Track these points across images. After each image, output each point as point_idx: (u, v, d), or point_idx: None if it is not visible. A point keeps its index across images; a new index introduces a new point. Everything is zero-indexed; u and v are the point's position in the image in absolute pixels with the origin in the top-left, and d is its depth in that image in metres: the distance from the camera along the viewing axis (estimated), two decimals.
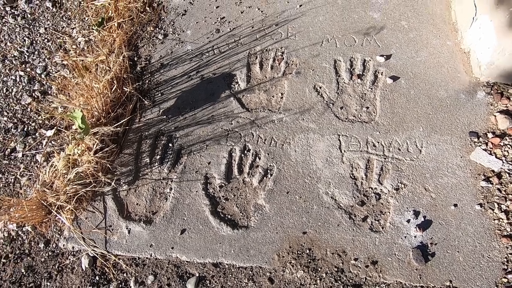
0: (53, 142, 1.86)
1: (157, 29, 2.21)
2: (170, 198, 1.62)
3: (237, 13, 2.22)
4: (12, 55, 2.23)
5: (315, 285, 1.39)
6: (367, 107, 1.80)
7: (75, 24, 2.32)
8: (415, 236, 1.44)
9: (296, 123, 1.77)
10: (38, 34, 2.31)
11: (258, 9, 2.22)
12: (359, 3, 2.16)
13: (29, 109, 2.01)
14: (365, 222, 1.50)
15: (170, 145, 1.77)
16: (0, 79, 2.13)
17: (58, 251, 1.57)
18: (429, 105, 1.77)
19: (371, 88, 1.85)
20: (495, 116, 1.68)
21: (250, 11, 2.21)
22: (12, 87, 2.10)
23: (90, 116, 1.77)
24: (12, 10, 2.42)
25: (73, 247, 1.55)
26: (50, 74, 2.13)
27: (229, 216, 1.57)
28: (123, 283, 1.47)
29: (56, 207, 1.56)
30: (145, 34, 2.20)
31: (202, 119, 1.83)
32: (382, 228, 1.48)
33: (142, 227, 1.55)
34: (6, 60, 2.20)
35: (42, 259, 1.56)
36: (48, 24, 2.35)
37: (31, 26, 2.35)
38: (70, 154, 1.64)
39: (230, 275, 1.44)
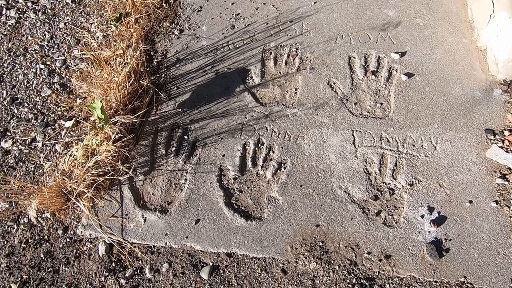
0: (71, 133, 1.91)
1: (173, 24, 2.25)
2: (185, 189, 1.65)
3: (252, 10, 2.24)
4: (33, 49, 2.29)
5: (328, 277, 1.40)
6: (381, 103, 1.80)
7: (93, 20, 2.37)
8: (429, 232, 1.44)
9: (310, 118, 1.79)
10: (58, 29, 2.38)
11: (273, 6, 2.24)
12: (374, 0, 2.17)
13: (48, 101, 2.06)
14: (378, 216, 1.50)
15: (185, 137, 1.80)
16: (22, 71, 2.20)
17: (76, 238, 1.61)
18: (444, 102, 1.76)
19: (386, 85, 1.85)
20: None
21: (265, 8, 2.24)
22: (33, 80, 2.17)
23: (108, 107, 1.81)
24: (33, 6, 2.49)
25: (90, 234, 1.59)
26: (69, 67, 2.19)
27: (242, 208, 1.59)
28: (138, 270, 1.50)
29: (75, 194, 1.60)
30: (162, 30, 2.25)
31: (217, 112, 1.86)
32: (396, 222, 1.48)
33: (158, 216, 1.58)
34: (27, 53, 2.27)
35: (61, 245, 1.60)
36: (68, 19, 2.41)
37: (51, 21, 2.41)
38: (88, 144, 1.68)
39: (244, 265, 1.46)
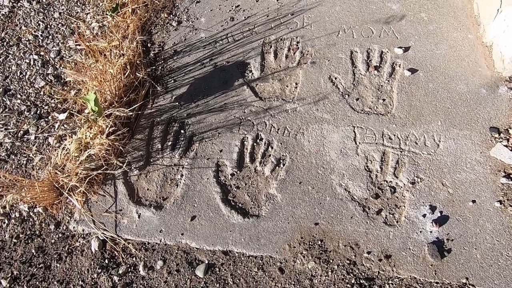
0: (65, 126, 1.86)
1: (171, 15, 2.19)
2: (181, 184, 1.60)
3: (252, 2, 2.18)
4: (27, 39, 2.23)
5: (327, 277, 1.37)
6: (384, 99, 1.75)
7: (89, 10, 2.31)
8: (431, 231, 1.40)
9: (310, 113, 1.74)
10: (53, 19, 2.31)
11: None
12: None
13: (42, 93, 2.01)
14: (379, 215, 1.46)
15: (182, 131, 1.76)
16: (15, 62, 2.14)
17: (68, 233, 1.57)
18: (448, 99, 1.72)
19: (388, 80, 1.81)
20: None
21: (266, 0, 2.18)
22: (26, 70, 2.11)
23: (102, 100, 1.76)
24: None
25: (83, 230, 1.55)
26: (64, 59, 2.13)
27: (240, 205, 1.54)
28: (132, 267, 1.46)
29: (68, 189, 1.56)
30: (159, 21, 2.19)
31: (215, 106, 1.81)
32: (397, 222, 1.45)
33: (152, 213, 1.54)
34: (20, 44, 2.21)
35: (53, 241, 1.56)
36: (63, 9, 2.35)
37: (46, 11, 2.35)
38: (82, 137, 1.64)
39: (240, 264, 1.43)
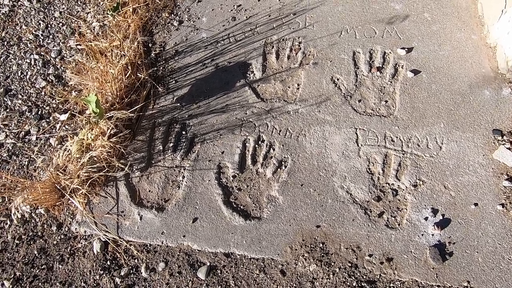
0: (66, 126, 1.86)
1: (172, 15, 2.18)
2: (182, 186, 1.60)
3: (254, 1, 2.16)
4: (27, 38, 2.22)
5: (328, 280, 1.37)
6: (386, 101, 1.74)
7: (90, 9, 2.30)
8: (432, 235, 1.40)
9: (312, 115, 1.73)
10: (53, 18, 2.30)
11: None
12: None
13: (43, 93, 2.00)
14: (381, 218, 1.46)
15: (184, 133, 1.75)
16: (15, 62, 2.13)
17: (70, 235, 1.57)
18: (451, 101, 1.70)
19: (391, 82, 1.80)
20: None
21: (267, 0, 2.16)
22: (27, 70, 2.10)
23: (104, 101, 1.76)
24: None
25: (85, 231, 1.55)
26: (65, 58, 2.12)
27: (241, 207, 1.54)
28: (134, 269, 1.46)
29: (69, 190, 1.56)
30: (160, 20, 2.17)
31: (216, 107, 1.81)
32: (399, 224, 1.44)
33: (154, 214, 1.54)
34: (21, 43, 2.20)
35: (55, 242, 1.56)
36: (63, 8, 2.33)
37: (46, 10, 2.33)
38: (83, 139, 1.63)
39: (242, 266, 1.43)
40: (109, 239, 1.51)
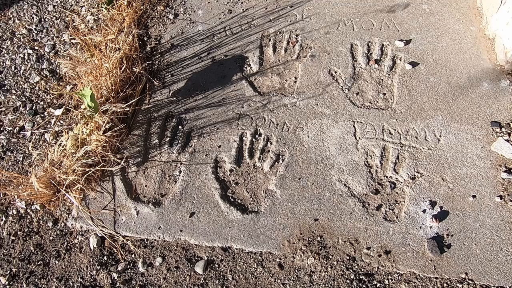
0: (61, 122, 1.83)
1: (167, 8, 2.15)
2: (179, 180, 1.59)
3: None
4: (21, 33, 2.19)
5: (326, 273, 1.37)
6: (384, 94, 1.73)
7: (83, 2, 2.26)
8: (430, 227, 1.40)
9: (309, 108, 1.72)
10: (47, 12, 2.26)
11: None
12: None
13: (37, 88, 1.98)
14: (379, 211, 1.46)
15: (180, 127, 1.73)
16: (9, 56, 2.10)
17: (66, 230, 1.56)
18: (449, 93, 1.69)
19: (389, 74, 1.78)
20: None
21: None
22: (21, 65, 2.07)
23: (99, 95, 1.73)
24: None
25: (81, 227, 1.54)
26: (59, 53, 2.09)
27: (239, 201, 1.53)
28: (131, 264, 1.45)
29: (65, 186, 1.54)
30: (155, 14, 2.14)
31: (213, 101, 1.79)
32: (397, 217, 1.44)
33: (151, 209, 1.53)
34: (14, 38, 2.17)
35: (51, 238, 1.55)
36: (57, 2, 2.30)
37: (39, 4, 2.29)
38: (78, 133, 1.61)
39: (239, 260, 1.42)
40: (105, 235, 1.50)
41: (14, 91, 1.98)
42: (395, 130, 1.62)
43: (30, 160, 1.73)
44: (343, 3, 2.02)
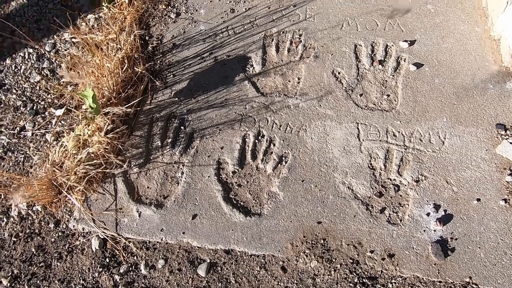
0: (62, 122, 1.82)
1: (169, 7, 2.12)
2: (181, 182, 1.58)
3: None
4: (21, 31, 2.16)
5: (329, 276, 1.36)
6: (388, 95, 1.71)
7: (84, 0, 2.23)
8: (434, 230, 1.39)
9: (313, 109, 1.70)
10: (47, 10, 2.24)
11: None
12: None
13: (38, 87, 1.96)
14: (382, 214, 1.45)
15: (182, 128, 1.72)
16: (9, 55, 2.08)
17: (68, 232, 1.55)
18: (454, 95, 1.68)
19: (393, 75, 1.76)
20: None
21: None
22: (21, 64, 2.05)
23: (100, 96, 1.72)
24: None
25: (83, 228, 1.53)
26: (59, 52, 2.07)
27: (241, 203, 1.53)
28: (133, 266, 1.45)
29: (67, 187, 1.53)
30: (157, 12, 2.12)
31: (215, 102, 1.77)
32: (400, 220, 1.43)
33: (153, 211, 1.52)
34: (14, 36, 2.14)
35: (52, 239, 1.54)
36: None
37: (40, 1, 2.27)
38: (80, 134, 1.60)
39: (242, 263, 1.42)
40: (107, 236, 1.49)
41: (14, 91, 1.97)
42: (399, 132, 1.61)
43: (31, 161, 1.72)
44: (347, 2, 2.00)
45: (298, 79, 1.80)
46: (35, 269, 1.49)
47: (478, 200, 1.44)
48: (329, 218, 1.45)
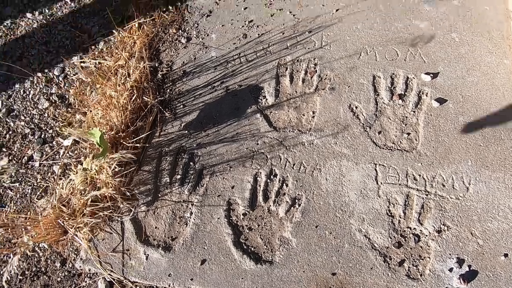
0: (70, 153, 1.78)
1: (180, 31, 2.06)
2: (190, 223, 1.53)
3: (266, 17, 2.03)
4: (30, 53, 2.13)
5: None
6: (408, 133, 1.62)
7: (94, 22, 2.19)
8: None
9: (328, 147, 1.62)
10: (56, 31, 2.20)
11: (290, 12, 2.02)
12: (403, 10, 1.94)
13: (46, 114, 1.93)
14: (401, 267, 1.37)
15: (192, 164, 1.66)
16: (18, 79, 2.05)
17: (74, 272, 1.52)
18: (480, 135, 1.58)
19: (414, 111, 1.67)
20: None
21: (281, 15, 2.02)
22: (30, 89, 2.02)
23: (108, 128, 1.67)
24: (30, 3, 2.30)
25: (89, 269, 1.49)
26: (68, 77, 2.03)
27: (252, 249, 1.46)
28: None
29: (74, 228, 1.49)
30: (167, 37, 2.06)
31: (226, 136, 1.71)
32: (421, 275, 1.35)
33: (161, 254, 1.47)
34: (23, 59, 2.11)
35: (59, 279, 1.51)
36: (67, 21, 2.23)
37: (49, 22, 2.23)
38: (87, 169, 1.56)
39: None
40: (114, 279, 1.45)
41: (23, 117, 1.94)
42: (420, 175, 1.52)
43: (38, 193, 1.69)
44: (365, 29, 1.90)
45: (313, 113, 1.72)
46: None
47: (506, 255, 1.34)
48: (344, 269, 1.38)
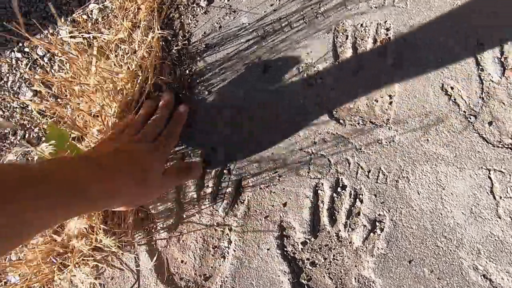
0: None
1: None
2: (229, 256, 1.11)
3: None
4: (6, 28, 1.67)
5: None
6: None
7: None
8: None
9: (416, 146, 1.16)
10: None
11: None
12: None
13: (30, 108, 1.49)
14: None
15: (226, 171, 1.23)
16: None
17: None
18: None
19: None
20: None
21: None
22: (8, 75, 1.58)
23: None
24: None
25: None
26: (55, 57, 1.57)
27: None
28: None
29: (73, 264, 1.10)
30: (182, 0, 1.56)
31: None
32: None
33: None
34: None
35: None
36: None
37: None
38: None
39: None
40: None
41: (1, 112, 1.51)
42: None
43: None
44: None
45: (390, 97, 1.25)
46: None
47: None
48: None
